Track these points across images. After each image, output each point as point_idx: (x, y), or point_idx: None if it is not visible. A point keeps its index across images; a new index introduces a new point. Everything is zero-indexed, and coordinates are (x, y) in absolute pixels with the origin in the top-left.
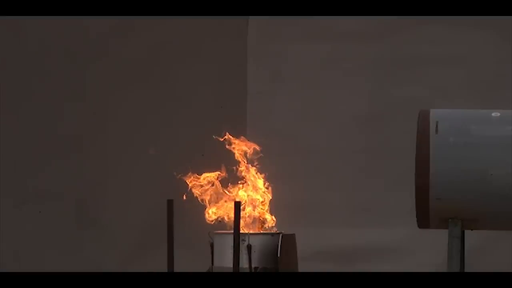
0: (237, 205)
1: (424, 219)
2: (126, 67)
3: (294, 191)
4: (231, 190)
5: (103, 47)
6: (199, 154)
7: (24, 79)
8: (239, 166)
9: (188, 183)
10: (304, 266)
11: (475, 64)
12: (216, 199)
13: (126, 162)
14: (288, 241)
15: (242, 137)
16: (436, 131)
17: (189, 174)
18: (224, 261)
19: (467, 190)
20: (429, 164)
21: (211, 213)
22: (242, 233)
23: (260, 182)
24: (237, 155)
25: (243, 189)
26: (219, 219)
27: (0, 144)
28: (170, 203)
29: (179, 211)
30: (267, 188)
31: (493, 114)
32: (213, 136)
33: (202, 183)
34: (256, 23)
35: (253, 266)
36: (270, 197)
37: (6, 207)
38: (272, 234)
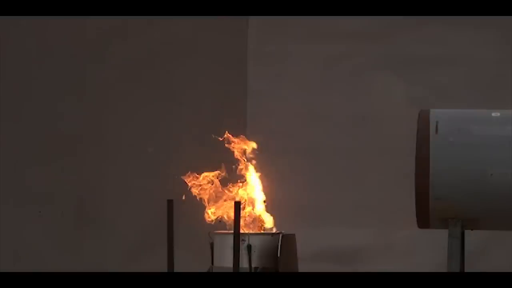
0: (237, 205)
1: (424, 219)
2: (126, 67)
3: (294, 191)
4: (231, 189)
5: (103, 47)
6: (199, 154)
7: (24, 79)
8: (238, 164)
9: (187, 182)
10: (304, 266)
11: (476, 64)
12: (215, 199)
13: (126, 162)
14: (288, 241)
15: (241, 135)
16: (436, 131)
17: (189, 173)
18: (224, 261)
19: (467, 190)
20: (429, 164)
21: (211, 213)
22: (242, 233)
23: (258, 181)
24: (236, 154)
25: (243, 188)
26: (219, 218)
27: (0, 144)
28: (170, 203)
29: (179, 211)
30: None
31: (493, 114)
32: (212, 135)
33: (202, 182)
34: (256, 23)
35: (253, 266)
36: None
37: (6, 207)
38: (272, 234)
